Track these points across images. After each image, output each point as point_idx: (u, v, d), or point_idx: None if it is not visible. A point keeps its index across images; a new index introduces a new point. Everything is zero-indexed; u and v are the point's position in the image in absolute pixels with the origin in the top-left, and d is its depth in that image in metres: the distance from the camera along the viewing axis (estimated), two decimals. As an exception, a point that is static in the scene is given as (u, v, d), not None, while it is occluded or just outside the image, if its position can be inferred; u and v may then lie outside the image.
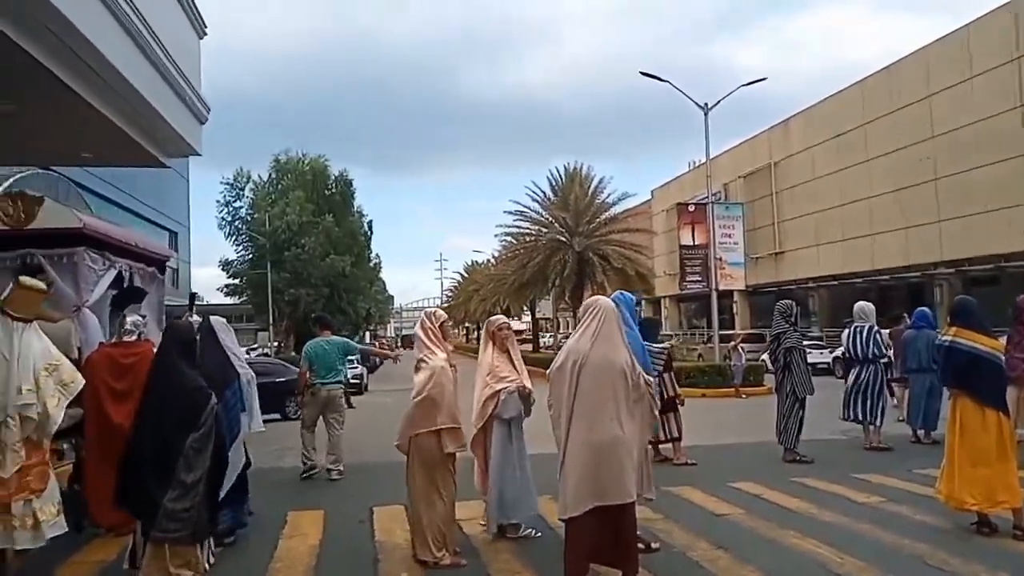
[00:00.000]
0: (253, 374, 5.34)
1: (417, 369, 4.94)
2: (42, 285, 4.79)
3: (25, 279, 4.70)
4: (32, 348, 4.42)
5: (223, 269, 36.80)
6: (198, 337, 4.99)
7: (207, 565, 4.64)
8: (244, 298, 38.20)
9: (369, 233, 42.62)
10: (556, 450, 4.36)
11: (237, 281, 37.11)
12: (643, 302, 42.74)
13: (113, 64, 8.20)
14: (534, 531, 5.46)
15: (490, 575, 4.68)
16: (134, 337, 5.35)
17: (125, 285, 7.19)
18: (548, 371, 4.56)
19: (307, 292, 34.27)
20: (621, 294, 5.50)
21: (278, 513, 6.29)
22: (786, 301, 8.84)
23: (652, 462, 7.90)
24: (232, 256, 37.01)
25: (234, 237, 36.74)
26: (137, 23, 8.78)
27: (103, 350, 5.46)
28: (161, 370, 4.45)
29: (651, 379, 5.07)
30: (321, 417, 8.36)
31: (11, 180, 29.49)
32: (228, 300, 40.52)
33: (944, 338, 5.39)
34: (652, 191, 47.42)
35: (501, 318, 5.73)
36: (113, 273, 6.61)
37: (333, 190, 38.96)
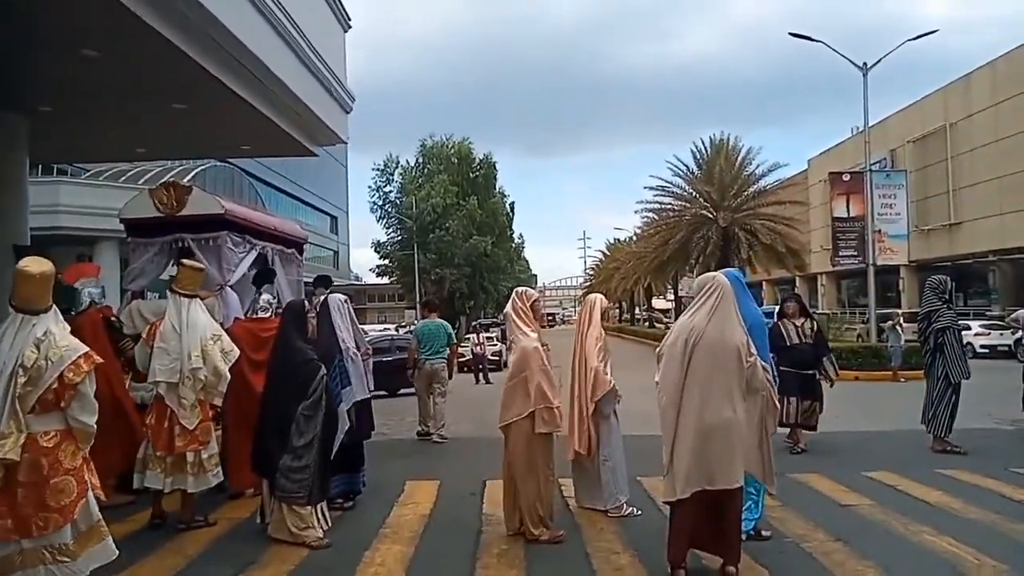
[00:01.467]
0: (356, 350, 5.61)
1: (510, 349, 4.98)
2: (200, 265, 5.64)
3: (187, 261, 5.54)
4: (198, 320, 5.16)
5: (375, 251, 38.99)
6: (315, 314, 5.36)
7: (324, 526, 4.99)
8: (394, 278, 40.22)
9: (511, 214, 43.34)
10: (654, 432, 4.25)
11: (387, 262, 39.13)
12: (796, 279, 40.51)
13: (264, 62, 8.90)
14: (636, 510, 5.39)
15: (588, 553, 4.66)
16: (268, 314, 5.85)
17: (270, 265, 7.86)
18: (658, 348, 4.43)
19: (451, 272, 35.55)
20: (729, 271, 5.22)
21: (398, 481, 6.62)
22: (939, 276, 8.00)
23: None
24: (383, 238, 39.05)
25: (384, 220, 38.75)
26: (285, 22, 9.45)
27: (242, 324, 6.01)
28: (279, 345, 4.84)
29: (767, 364, 4.78)
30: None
31: (194, 172, 32.87)
32: (381, 280, 42.88)
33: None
34: (809, 160, 44.48)
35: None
36: (254, 254, 7.20)
37: (477, 173, 39.94)
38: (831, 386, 7.96)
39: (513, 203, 44.52)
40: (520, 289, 5.30)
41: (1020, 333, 14.06)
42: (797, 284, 41.10)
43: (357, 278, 66.31)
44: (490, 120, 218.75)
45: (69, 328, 3.66)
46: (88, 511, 3.61)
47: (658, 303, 60.53)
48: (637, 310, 63.57)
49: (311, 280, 9.34)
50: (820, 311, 36.21)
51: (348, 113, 13.60)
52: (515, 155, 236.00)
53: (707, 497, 4.07)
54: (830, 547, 4.63)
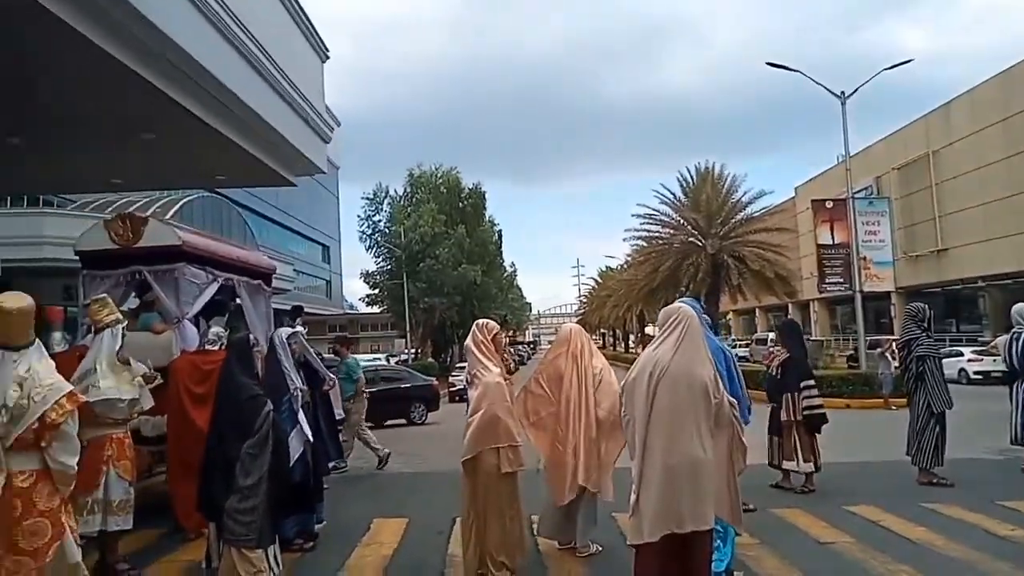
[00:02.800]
0: (300, 388, 5.40)
1: (471, 384, 4.78)
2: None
3: None
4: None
5: (364, 280, 38.75)
6: (258, 348, 5.16)
7: (276, 571, 4.72)
8: (385, 307, 39.93)
9: (500, 242, 43.27)
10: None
11: (377, 291, 38.88)
12: (788, 306, 40.42)
13: (235, 92, 8.79)
14: (597, 547, 5.22)
15: (550, 596, 4.43)
16: (216, 347, 5.62)
17: (237, 297, 7.68)
18: (622, 383, 4.23)
19: (441, 301, 35.28)
20: (687, 300, 5.06)
21: (365, 519, 6.37)
22: (917, 303, 7.84)
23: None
24: (372, 268, 38.86)
25: (374, 249, 38.55)
26: (257, 52, 9.36)
27: (185, 357, 5.80)
28: (223, 380, 4.61)
29: (734, 400, 4.57)
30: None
31: (181, 202, 32.69)
32: (371, 309, 42.59)
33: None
34: (795, 187, 44.74)
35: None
36: (216, 286, 7.00)
37: (465, 202, 39.91)
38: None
39: (501, 231, 44.50)
40: (481, 321, 5.06)
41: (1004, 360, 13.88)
42: (790, 310, 41.03)
43: (351, 307, 65.92)
44: (478, 150, 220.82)
45: (54, 364, 3.51)
46: (63, 554, 3.47)
47: (651, 330, 60.37)
48: (631, 337, 63.38)
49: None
50: (813, 338, 36.07)
51: (327, 143, 13.51)
52: (503, 184, 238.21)
53: (675, 538, 3.84)
54: (804, 589, 4.40)
